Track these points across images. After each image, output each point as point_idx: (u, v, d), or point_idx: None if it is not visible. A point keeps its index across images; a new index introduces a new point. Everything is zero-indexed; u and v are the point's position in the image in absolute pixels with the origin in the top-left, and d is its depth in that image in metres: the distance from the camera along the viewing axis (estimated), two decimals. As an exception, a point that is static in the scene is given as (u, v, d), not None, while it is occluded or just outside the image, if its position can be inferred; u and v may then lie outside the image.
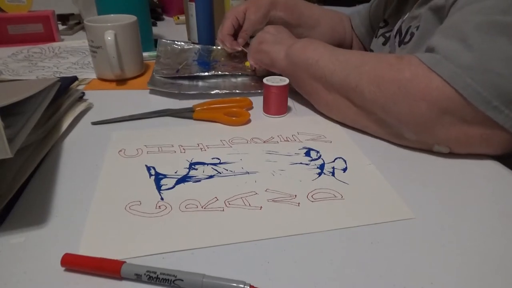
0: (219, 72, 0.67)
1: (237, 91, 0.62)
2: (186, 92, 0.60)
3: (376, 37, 0.72)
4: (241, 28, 0.73)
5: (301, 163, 0.44)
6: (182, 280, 0.28)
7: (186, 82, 0.65)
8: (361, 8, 0.84)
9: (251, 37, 0.79)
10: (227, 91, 0.61)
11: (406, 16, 0.59)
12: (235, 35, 0.73)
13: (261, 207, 0.36)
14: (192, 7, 0.81)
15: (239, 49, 0.72)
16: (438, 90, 0.40)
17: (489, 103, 0.39)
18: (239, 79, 0.68)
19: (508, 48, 0.38)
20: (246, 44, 0.75)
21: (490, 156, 0.44)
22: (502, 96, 0.38)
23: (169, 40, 0.81)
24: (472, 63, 0.39)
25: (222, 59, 0.75)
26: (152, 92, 0.63)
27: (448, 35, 0.42)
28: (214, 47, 0.81)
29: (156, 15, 1.18)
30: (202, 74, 0.67)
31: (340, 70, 0.48)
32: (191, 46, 0.80)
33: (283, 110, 0.55)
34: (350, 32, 0.86)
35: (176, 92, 0.61)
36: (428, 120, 0.41)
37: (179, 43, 0.81)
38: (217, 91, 0.61)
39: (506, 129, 0.40)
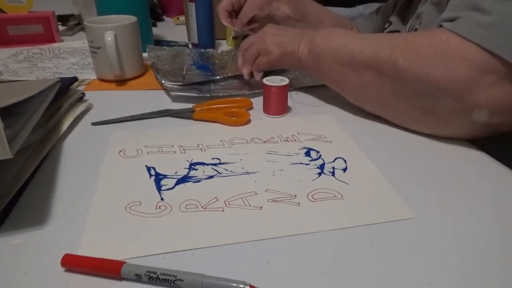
0: (229, 74, 0.67)
1: (256, 91, 0.61)
2: (212, 94, 0.59)
3: None
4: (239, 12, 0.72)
5: (301, 163, 0.44)
6: (182, 280, 0.28)
7: (199, 86, 0.64)
8: (362, 8, 0.84)
9: (245, 36, 0.79)
10: (250, 92, 0.61)
11: (412, 18, 0.59)
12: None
13: (261, 207, 0.36)
14: (192, 7, 0.81)
15: (234, 28, 0.72)
16: (477, 49, 0.39)
17: None
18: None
19: None
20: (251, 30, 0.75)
21: (491, 156, 0.44)
22: None
23: (156, 46, 0.80)
24: (494, 22, 0.38)
25: (217, 61, 0.75)
26: (173, 97, 0.61)
27: (460, 9, 0.42)
28: (207, 50, 0.81)
29: (156, 16, 1.18)
30: (216, 77, 0.66)
31: (369, 47, 0.47)
32: (179, 50, 0.79)
33: (283, 110, 0.55)
34: None
35: (208, 95, 0.59)
36: (469, 81, 0.40)
37: (165, 47, 0.80)
38: (244, 91, 0.61)
39: None
